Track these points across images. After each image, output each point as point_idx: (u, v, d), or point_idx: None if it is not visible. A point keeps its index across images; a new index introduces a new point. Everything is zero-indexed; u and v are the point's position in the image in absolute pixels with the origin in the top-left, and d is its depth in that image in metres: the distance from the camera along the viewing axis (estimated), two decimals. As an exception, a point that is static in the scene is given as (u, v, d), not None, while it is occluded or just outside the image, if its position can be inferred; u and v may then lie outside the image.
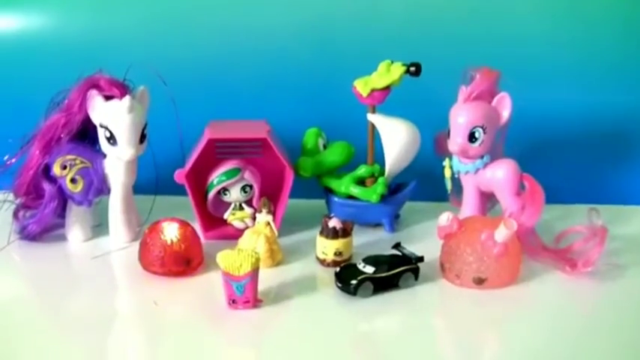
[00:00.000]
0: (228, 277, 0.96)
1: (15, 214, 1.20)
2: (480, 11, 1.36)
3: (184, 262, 1.07)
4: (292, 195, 1.22)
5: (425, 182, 1.25)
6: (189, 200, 1.20)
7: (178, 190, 1.19)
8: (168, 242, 1.06)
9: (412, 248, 1.09)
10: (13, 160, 1.20)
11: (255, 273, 0.97)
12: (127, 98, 1.11)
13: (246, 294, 0.97)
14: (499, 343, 0.96)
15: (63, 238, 1.21)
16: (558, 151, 1.38)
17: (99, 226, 1.24)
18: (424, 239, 1.18)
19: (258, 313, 0.98)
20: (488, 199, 1.23)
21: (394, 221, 1.26)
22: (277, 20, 1.40)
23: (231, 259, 0.96)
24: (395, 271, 1.03)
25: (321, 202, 1.28)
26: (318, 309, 1.00)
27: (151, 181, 1.24)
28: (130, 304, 1.05)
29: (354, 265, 1.04)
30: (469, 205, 1.21)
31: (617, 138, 1.37)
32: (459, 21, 1.37)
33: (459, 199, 1.25)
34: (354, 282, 1.00)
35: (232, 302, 0.97)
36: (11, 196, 1.21)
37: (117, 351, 0.92)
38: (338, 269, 1.05)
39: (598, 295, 1.04)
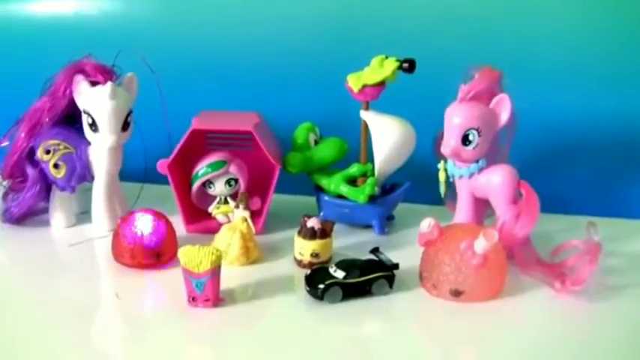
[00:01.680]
0: (187, 274, 0.93)
1: (4, 196, 1.21)
2: (491, 8, 1.29)
3: (154, 255, 1.04)
4: (283, 190, 1.18)
5: (424, 183, 1.19)
6: (176, 191, 1.17)
7: (168, 180, 1.16)
8: (139, 234, 1.03)
9: (401, 252, 1.04)
10: (6, 143, 1.20)
11: (215, 271, 0.93)
12: (108, 84, 1.09)
13: (206, 292, 0.93)
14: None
15: (47, 222, 1.21)
16: (567, 158, 1.30)
17: (85, 213, 1.23)
18: (415, 244, 1.09)
19: (220, 312, 0.94)
20: (485, 206, 1.15)
21: (386, 223, 1.21)
22: (279, 12, 1.36)
23: (192, 255, 0.93)
24: (367, 277, 0.97)
25: (312, 199, 1.24)
26: (284, 312, 0.96)
27: (141, 169, 1.22)
28: (95, 294, 1.02)
29: (326, 269, 0.99)
30: (462, 212, 1.14)
31: (631, 147, 1.27)
32: (468, 18, 1.30)
33: (455, 204, 1.18)
34: (321, 286, 0.96)
35: (192, 300, 0.94)
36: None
37: (71, 340, 0.89)
38: (309, 272, 1.00)
39: (586, 317, 0.95)
